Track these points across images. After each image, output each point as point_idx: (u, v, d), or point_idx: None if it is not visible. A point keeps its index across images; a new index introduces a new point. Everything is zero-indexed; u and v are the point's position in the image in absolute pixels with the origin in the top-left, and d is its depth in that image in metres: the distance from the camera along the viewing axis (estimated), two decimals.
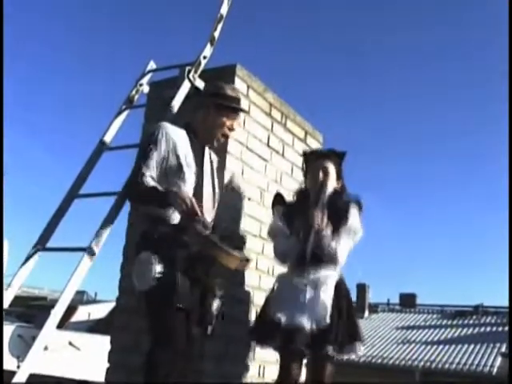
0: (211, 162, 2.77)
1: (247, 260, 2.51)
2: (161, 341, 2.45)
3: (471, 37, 42.85)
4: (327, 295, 2.72)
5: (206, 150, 2.74)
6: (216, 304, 2.53)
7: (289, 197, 3.16)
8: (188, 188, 2.52)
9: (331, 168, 2.84)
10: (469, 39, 42.86)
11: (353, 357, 2.85)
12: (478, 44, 42.98)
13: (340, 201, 2.84)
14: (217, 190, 2.74)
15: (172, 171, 2.54)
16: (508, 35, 4.73)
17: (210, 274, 2.52)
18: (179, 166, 2.54)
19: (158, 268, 2.38)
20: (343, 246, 2.76)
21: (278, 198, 3.01)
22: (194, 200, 2.36)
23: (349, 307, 2.82)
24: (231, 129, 2.75)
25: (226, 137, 2.78)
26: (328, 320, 2.67)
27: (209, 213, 2.61)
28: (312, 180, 2.87)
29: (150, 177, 2.48)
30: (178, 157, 2.55)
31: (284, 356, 2.74)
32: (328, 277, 2.74)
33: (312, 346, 2.65)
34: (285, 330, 2.64)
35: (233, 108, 2.73)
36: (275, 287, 2.86)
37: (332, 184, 2.83)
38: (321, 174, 2.83)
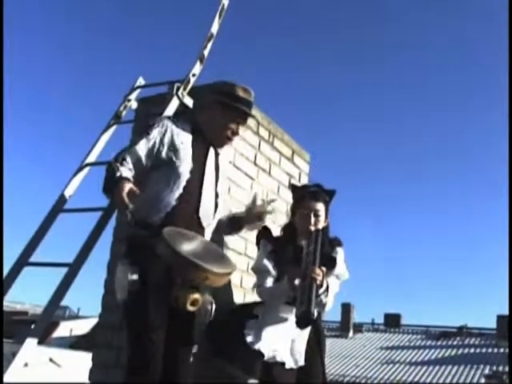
0: (217, 163, 2.59)
1: (224, 274, 2.30)
2: (133, 365, 2.31)
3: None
4: (307, 331, 2.73)
5: (211, 150, 2.56)
6: (201, 318, 2.40)
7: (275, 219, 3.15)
8: (180, 185, 2.38)
9: (322, 210, 2.79)
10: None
11: None
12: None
13: (326, 242, 2.78)
14: (220, 194, 2.57)
15: (164, 163, 2.41)
16: (508, 35, 4.78)
17: (186, 288, 2.29)
18: (171, 160, 2.40)
19: (133, 277, 2.23)
20: (332, 294, 2.73)
21: (265, 233, 2.87)
22: (129, 189, 2.16)
23: (324, 345, 2.83)
24: (235, 133, 2.58)
25: (230, 140, 2.61)
26: (302, 361, 2.68)
27: (207, 217, 2.46)
28: (303, 221, 2.75)
29: (128, 168, 2.33)
30: (173, 149, 2.42)
31: None
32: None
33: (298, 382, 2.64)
34: (267, 363, 2.59)
35: (240, 110, 2.55)
36: (255, 316, 2.73)
37: (321, 225, 2.79)
38: (313, 219, 2.76)
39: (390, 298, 47.16)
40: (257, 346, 2.59)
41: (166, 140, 2.44)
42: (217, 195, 2.54)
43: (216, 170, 2.57)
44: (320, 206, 2.77)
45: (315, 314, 2.44)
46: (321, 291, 2.59)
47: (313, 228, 2.71)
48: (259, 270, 2.76)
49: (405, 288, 45.56)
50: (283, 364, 2.61)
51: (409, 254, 46.81)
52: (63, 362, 11.08)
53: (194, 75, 3.33)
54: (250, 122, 3.45)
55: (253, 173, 3.45)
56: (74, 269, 2.75)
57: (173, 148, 2.43)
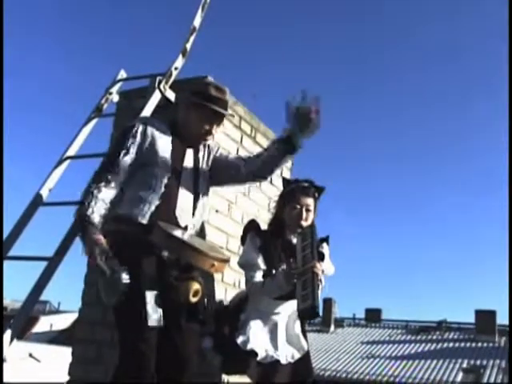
0: (196, 163, 2.56)
1: (225, 260, 2.31)
2: (124, 367, 2.25)
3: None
4: (298, 327, 2.72)
5: (188, 151, 2.54)
6: (202, 310, 2.39)
7: (256, 209, 3.16)
8: (160, 185, 2.37)
9: (312, 205, 2.78)
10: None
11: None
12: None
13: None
14: (201, 194, 2.53)
15: (144, 164, 2.40)
16: (508, 35, 4.81)
17: (186, 279, 2.29)
18: (150, 161, 2.40)
19: (125, 279, 2.14)
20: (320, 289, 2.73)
21: (253, 227, 2.80)
22: (101, 251, 2.13)
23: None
24: (210, 133, 2.53)
25: (205, 140, 2.57)
26: (302, 352, 2.67)
27: (185, 217, 2.43)
28: (293, 216, 2.71)
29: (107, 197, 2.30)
30: (152, 151, 2.41)
31: None
32: (295, 307, 2.73)
33: (291, 379, 2.61)
34: (261, 364, 2.55)
35: (212, 110, 2.48)
36: (242, 317, 2.69)
37: (311, 220, 2.77)
38: (304, 214, 2.76)
39: (371, 293, 47.60)
40: (249, 346, 2.54)
41: (146, 143, 2.42)
42: (196, 195, 2.51)
43: (195, 170, 2.54)
44: (310, 202, 2.74)
45: (319, 309, 2.40)
46: (321, 286, 2.56)
47: (304, 223, 2.68)
48: (249, 265, 2.68)
49: (386, 283, 45.98)
50: (278, 361, 2.58)
51: (390, 249, 47.22)
52: (43, 357, 10.97)
53: (176, 69, 3.30)
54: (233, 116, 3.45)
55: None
56: (53, 263, 2.72)
57: (152, 150, 2.41)
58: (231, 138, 3.42)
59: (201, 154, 2.60)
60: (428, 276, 48.61)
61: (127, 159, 2.39)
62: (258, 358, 2.54)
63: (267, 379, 2.55)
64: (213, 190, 3.18)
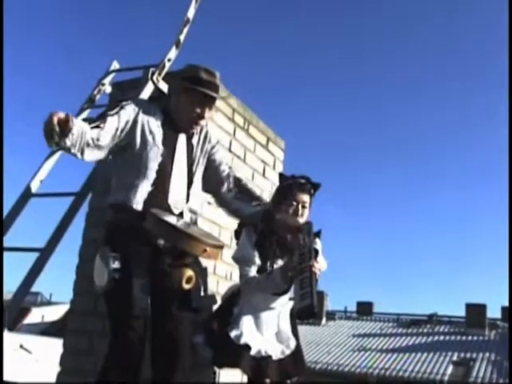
0: (190, 148, 2.54)
1: (219, 247, 2.30)
2: (113, 355, 2.27)
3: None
4: (288, 322, 2.73)
5: (181, 136, 2.53)
6: (196, 298, 2.37)
7: None
8: (153, 171, 2.36)
9: (308, 202, 2.77)
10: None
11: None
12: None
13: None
14: (196, 180, 2.52)
15: (134, 147, 2.38)
16: (508, 35, 4.82)
17: (180, 266, 2.27)
18: (142, 144, 2.38)
19: (115, 265, 2.19)
20: None
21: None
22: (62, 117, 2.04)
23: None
24: (201, 116, 2.51)
25: (197, 124, 2.54)
26: (292, 348, 2.68)
27: (178, 204, 2.42)
28: (289, 211, 2.69)
29: (96, 135, 2.25)
30: (144, 134, 2.40)
31: (251, 381, 2.66)
32: (287, 303, 2.73)
33: (281, 375, 2.63)
34: (254, 358, 2.56)
35: (202, 93, 2.46)
36: (236, 308, 2.70)
37: (306, 217, 2.77)
38: (300, 210, 2.74)
39: (362, 286, 47.80)
40: (243, 341, 2.55)
41: (139, 122, 2.42)
42: (190, 180, 2.50)
43: (189, 155, 2.54)
44: (307, 198, 2.73)
45: (317, 308, 2.39)
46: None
47: (301, 220, 2.68)
48: (244, 260, 2.67)
49: (378, 277, 46.17)
50: (270, 356, 2.59)
51: (382, 243, 47.37)
52: (34, 349, 10.95)
53: (169, 60, 3.28)
54: (226, 108, 3.44)
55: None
56: (45, 254, 2.71)
57: (144, 132, 2.41)
58: (224, 131, 3.42)
59: (195, 140, 2.59)
60: (420, 269, 48.87)
61: (114, 120, 2.34)
62: (252, 353, 2.55)
63: (260, 373, 2.56)
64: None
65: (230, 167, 2.75)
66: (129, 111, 2.42)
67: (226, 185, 2.69)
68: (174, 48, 3.33)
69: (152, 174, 2.38)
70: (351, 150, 44.88)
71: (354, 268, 49.54)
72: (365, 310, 24.52)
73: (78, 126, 2.15)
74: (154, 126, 2.45)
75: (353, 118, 44.28)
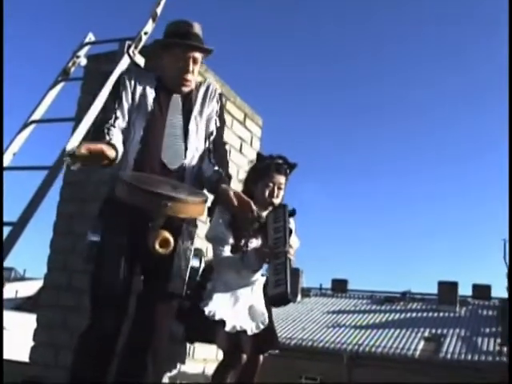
0: (187, 106, 2.45)
1: (188, 202, 2.11)
2: (88, 333, 2.22)
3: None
4: (261, 297, 2.74)
5: (175, 97, 2.44)
6: (179, 265, 2.29)
7: None
8: (141, 131, 2.32)
9: (284, 183, 2.77)
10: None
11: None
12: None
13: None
14: (192, 133, 2.41)
15: (130, 114, 2.36)
16: (508, 35, 4.84)
17: (158, 228, 2.10)
18: (137, 110, 2.36)
19: (94, 238, 2.15)
20: None
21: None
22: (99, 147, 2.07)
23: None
24: (186, 71, 2.40)
25: (187, 81, 2.43)
26: (266, 322, 2.70)
27: (174, 159, 2.34)
28: (265, 192, 2.70)
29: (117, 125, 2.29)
30: (137, 101, 2.37)
31: (229, 359, 2.66)
32: (260, 279, 2.73)
33: (255, 349, 2.65)
34: (229, 334, 2.57)
35: (181, 44, 2.37)
36: (209, 283, 2.69)
37: (281, 198, 2.76)
38: (276, 192, 2.74)
39: (337, 263, 48.37)
40: (218, 317, 2.55)
41: (137, 91, 2.38)
42: (186, 135, 2.40)
43: (185, 115, 2.44)
44: (283, 180, 2.75)
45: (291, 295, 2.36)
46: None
47: (275, 200, 2.69)
48: (218, 239, 2.65)
49: (352, 254, 46.77)
50: (245, 331, 2.61)
51: (357, 221, 47.89)
52: (8, 324, 10.90)
53: (145, 33, 3.22)
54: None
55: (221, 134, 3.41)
56: (18, 228, 2.67)
57: (137, 99, 2.37)
58: None
59: (194, 97, 2.48)
60: (394, 248, 49.59)
61: (123, 102, 2.35)
62: (227, 329, 2.56)
63: (236, 348, 2.58)
64: None
65: (214, 141, 2.52)
66: (127, 85, 2.38)
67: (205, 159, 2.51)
68: (150, 21, 3.27)
69: (139, 136, 2.32)
70: (329, 129, 44.99)
71: (329, 246, 50.10)
72: (340, 287, 24.83)
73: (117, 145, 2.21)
74: (147, 90, 2.40)
75: (333, 95, 44.32)
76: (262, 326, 2.68)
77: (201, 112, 2.49)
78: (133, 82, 2.40)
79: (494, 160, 39.90)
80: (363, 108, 43.90)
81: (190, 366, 3.04)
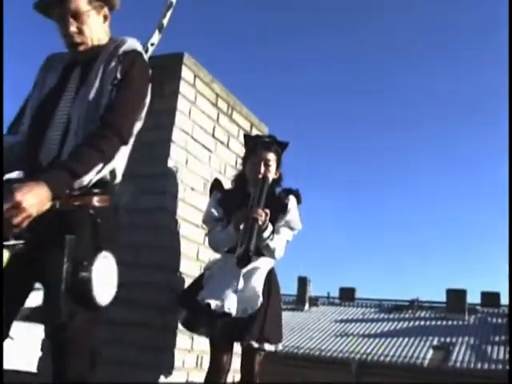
0: (83, 77, 1.97)
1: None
2: None
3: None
4: (258, 283, 2.69)
5: (77, 69, 2.02)
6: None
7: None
8: (23, 133, 1.97)
9: (272, 159, 2.83)
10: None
11: (272, 349, 2.65)
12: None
13: (278, 191, 2.87)
14: (80, 112, 1.89)
15: None
16: (508, 35, 4.84)
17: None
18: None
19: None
20: (282, 241, 2.74)
21: (216, 184, 2.95)
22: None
23: (277, 300, 2.78)
24: (66, 25, 1.98)
25: (72, 38, 1.99)
26: (256, 308, 2.61)
27: (50, 153, 1.88)
28: (253, 170, 2.82)
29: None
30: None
31: (211, 343, 2.70)
32: (261, 265, 2.73)
33: (237, 334, 2.60)
34: (212, 315, 2.58)
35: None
36: (206, 274, 2.78)
37: (271, 175, 2.83)
38: (262, 167, 2.80)
39: (345, 272, 48.20)
40: (206, 301, 2.58)
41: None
42: (69, 122, 1.90)
43: (81, 80, 1.97)
44: (271, 156, 2.82)
45: (253, 253, 2.43)
46: (265, 234, 2.61)
47: (260, 176, 2.75)
48: (208, 219, 2.82)
49: (360, 262, 46.59)
50: (230, 314, 2.57)
51: (365, 229, 47.73)
52: (16, 335, 10.91)
53: (152, 44, 3.26)
54: (209, 94, 3.42)
55: (211, 145, 3.43)
56: None
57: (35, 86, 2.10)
58: (207, 115, 3.41)
59: (93, 65, 1.98)
60: (402, 256, 49.39)
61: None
62: (212, 307, 2.56)
63: (217, 331, 2.60)
64: (188, 168, 3.18)
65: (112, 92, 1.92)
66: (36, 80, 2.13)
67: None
68: (156, 32, 3.31)
69: (23, 134, 1.99)
70: (340, 138, 44.98)
71: (336, 254, 49.94)
72: (347, 295, 24.72)
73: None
74: (48, 73, 2.08)
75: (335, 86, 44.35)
76: (250, 311, 2.62)
77: (97, 72, 2.02)
78: (40, 71, 2.14)
79: (503, 166, 39.69)
80: (372, 114, 43.88)
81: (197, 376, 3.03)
